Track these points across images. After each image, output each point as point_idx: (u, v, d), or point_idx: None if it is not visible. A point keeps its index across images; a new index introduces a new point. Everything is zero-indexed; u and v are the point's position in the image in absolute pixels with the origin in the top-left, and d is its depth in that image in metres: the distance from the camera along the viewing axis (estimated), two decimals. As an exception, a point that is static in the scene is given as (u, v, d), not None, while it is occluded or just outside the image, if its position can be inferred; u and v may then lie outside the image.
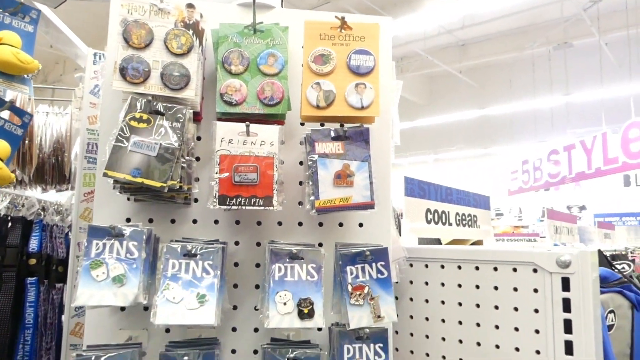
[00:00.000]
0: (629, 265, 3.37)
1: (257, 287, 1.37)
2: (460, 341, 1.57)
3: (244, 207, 1.17)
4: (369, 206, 1.21)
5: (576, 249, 1.41)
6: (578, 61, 12.92)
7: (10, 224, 1.71)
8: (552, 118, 13.67)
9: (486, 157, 15.88)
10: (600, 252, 2.34)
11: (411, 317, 1.70)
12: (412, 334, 1.69)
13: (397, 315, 1.74)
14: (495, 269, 1.52)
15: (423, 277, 1.67)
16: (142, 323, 1.32)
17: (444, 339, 1.61)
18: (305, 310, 1.13)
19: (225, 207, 1.16)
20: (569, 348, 1.38)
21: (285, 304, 1.13)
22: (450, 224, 2.96)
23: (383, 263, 1.22)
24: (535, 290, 1.44)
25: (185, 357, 1.10)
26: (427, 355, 1.65)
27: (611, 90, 11.88)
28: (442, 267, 1.63)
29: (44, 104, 2.25)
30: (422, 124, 15.37)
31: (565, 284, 1.40)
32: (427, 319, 1.66)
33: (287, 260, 1.18)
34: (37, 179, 2.07)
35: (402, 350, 1.71)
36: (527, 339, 1.45)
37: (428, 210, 2.76)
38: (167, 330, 1.32)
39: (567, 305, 1.39)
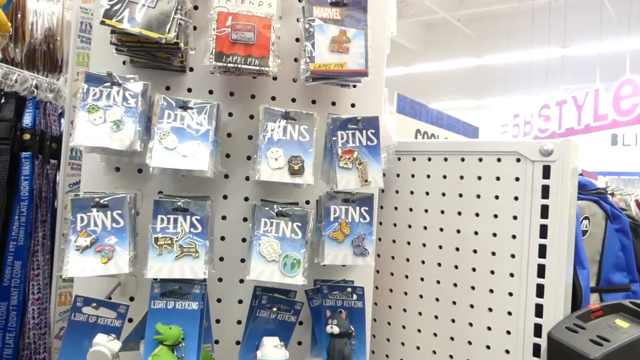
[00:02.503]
0: (608, 198, 3.48)
1: (248, 158, 1.41)
2: (441, 229, 1.64)
3: (239, 66, 1.18)
4: (363, 74, 1.23)
5: (559, 139, 1.46)
6: (578, 14, 12.73)
7: (3, 99, 1.71)
8: (547, 73, 13.60)
9: (479, 109, 15.85)
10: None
11: (395, 208, 1.76)
12: (395, 224, 1.75)
13: (382, 207, 1.80)
14: (480, 159, 1.57)
15: (410, 169, 1.72)
16: (136, 184, 1.36)
17: (425, 227, 1.67)
18: (296, 167, 1.17)
19: (221, 63, 1.17)
20: (543, 232, 1.45)
21: (276, 159, 1.17)
22: (438, 148, 3.00)
23: (373, 131, 1.26)
24: (517, 179, 1.50)
25: (179, 203, 1.14)
26: (409, 243, 1.72)
27: (608, 46, 11.80)
28: (429, 159, 1.67)
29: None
30: (417, 71, 15.20)
31: (546, 172, 1.45)
32: (410, 209, 1.72)
33: (281, 120, 1.21)
34: (28, 65, 2.05)
35: (385, 240, 1.78)
36: (504, 224, 1.51)
37: (418, 130, 2.79)
38: (160, 192, 1.36)
39: (545, 192, 1.45)
